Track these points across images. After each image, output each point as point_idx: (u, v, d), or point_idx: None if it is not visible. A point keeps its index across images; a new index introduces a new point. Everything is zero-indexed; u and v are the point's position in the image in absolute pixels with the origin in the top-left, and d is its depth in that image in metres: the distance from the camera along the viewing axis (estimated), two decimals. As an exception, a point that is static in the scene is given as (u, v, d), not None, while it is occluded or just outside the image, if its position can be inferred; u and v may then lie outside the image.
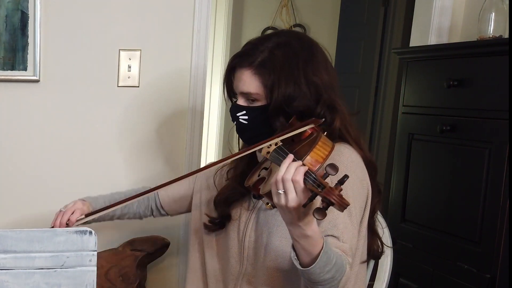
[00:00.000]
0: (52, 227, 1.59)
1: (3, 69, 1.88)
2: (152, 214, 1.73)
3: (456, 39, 2.52)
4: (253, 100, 1.42)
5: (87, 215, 1.57)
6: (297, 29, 4.23)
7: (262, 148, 1.42)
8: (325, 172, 1.15)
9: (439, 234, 2.17)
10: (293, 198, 1.16)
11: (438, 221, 2.18)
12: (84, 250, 1.18)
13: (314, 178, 1.15)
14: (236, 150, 1.58)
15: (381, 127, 3.55)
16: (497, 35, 2.20)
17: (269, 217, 1.43)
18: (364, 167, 1.41)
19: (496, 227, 1.90)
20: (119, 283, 1.91)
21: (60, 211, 1.59)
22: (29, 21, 1.87)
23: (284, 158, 1.24)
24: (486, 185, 1.96)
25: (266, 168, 1.37)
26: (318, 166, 1.22)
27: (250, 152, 1.39)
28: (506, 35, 2.19)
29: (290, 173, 1.17)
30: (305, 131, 1.34)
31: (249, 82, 1.40)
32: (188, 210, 1.65)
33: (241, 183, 1.45)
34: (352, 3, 3.73)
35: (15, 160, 1.96)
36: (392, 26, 3.43)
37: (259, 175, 1.38)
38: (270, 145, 1.36)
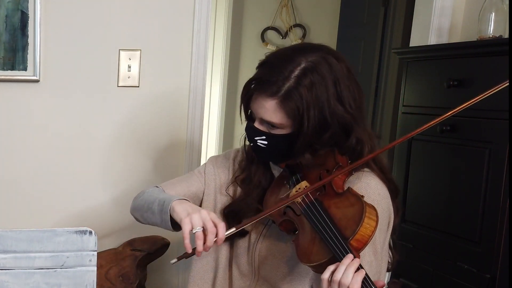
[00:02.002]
0: (192, 252, 1.27)
1: (3, 69, 1.88)
2: None
3: (456, 39, 2.52)
4: (274, 127, 1.33)
5: (238, 227, 1.32)
6: (297, 29, 4.24)
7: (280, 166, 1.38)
8: (386, 287, 1.14)
9: (439, 234, 2.17)
10: None
11: (438, 221, 2.18)
12: (84, 250, 1.18)
13: None
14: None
15: (381, 127, 3.55)
16: (497, 35, 2.20)
17: (283, 238, 1.38)
18: (388, 195, 1.37)
19: (496, 227, 1.90)
20: (119, 283, 1.90)
21: (195, 231, 1.26)
22: (29, 21, 1.87)
23: (317, 217, 1.21)
24: (486, 185, 1.96)
25: (294, 212, 1.30)
26: (363, 245, 1.19)
27: (282, 208, 1.30)
28: (506, 35, 2.19)
29: (348, 279, 1.13)
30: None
31: (272, 112, 1.31)
32: None
33: (257, 199, 1.40)
34: (352, 3, 3.73)
35: (15, 160, 1.96)
36: (392, 26, 3.43)
37: (284, 213, 1.31)
38: (299, 188, 1.31)
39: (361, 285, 1.13)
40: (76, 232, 1.17)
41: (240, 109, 1.41)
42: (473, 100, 1.29)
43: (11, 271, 1.14)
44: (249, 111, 1.40)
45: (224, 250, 1.48)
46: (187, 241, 1.26)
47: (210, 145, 4.64)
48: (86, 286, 1.18)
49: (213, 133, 4.63)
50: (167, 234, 2.06)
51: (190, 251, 1.27)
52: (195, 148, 2.11)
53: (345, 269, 1.14)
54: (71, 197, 2.02)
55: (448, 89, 2.13)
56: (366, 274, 1.14)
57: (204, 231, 1.27)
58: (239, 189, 1.48)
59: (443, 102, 2.19)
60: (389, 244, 1.45)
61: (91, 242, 1.18)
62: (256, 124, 1.36)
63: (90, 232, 1.18)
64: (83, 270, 1.18)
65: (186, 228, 1.27)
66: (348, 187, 1.29)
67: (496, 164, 1.92)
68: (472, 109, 2.04)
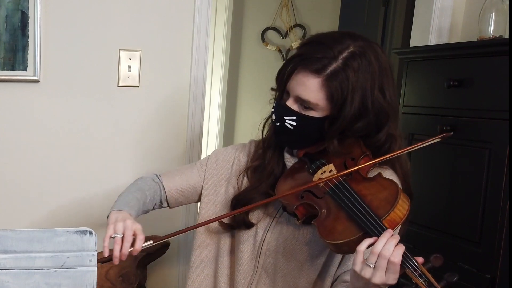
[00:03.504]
0: (109, 256, 1.29)
1: (3, 69, 1.88)
2: (153, 208, 1.57)
3: (456, 39, 2.52)
4: (308, 108, 1.30)
5: (156, 241, 1.34)
6: (297, 29, 4.24)
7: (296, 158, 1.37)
8: (427, 261, 1.12)
9: (439, 234, 2.17)
10: (381, 276, 1.12)
11: (438, 221, 2.18)
12: (84, 250, 1.18)
13: (415, 266, 1.11)
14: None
15: (381, 127, 3.54)
16: (497, 35, 2.20)
17: (294, 229, 1.38)
18: None
19: (496, 227, 1.90)
20: (119, 283, 1.91)
21: (114, 236, 1.29)
22: (29, 21, 1.87)
23: (346, 196, 1.20)
24: (486, 185, 1.95)
25: (315, 195, 1.28)
26: (394, 228, 1.17)
27: (300, 192, 1.29)
28: (506, 35, 2.19)
29: (389, 252, 1.11)
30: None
31: (312, 91, 1.28)
32: (193, 201, 1.57)
33: (269, 187, 1.39)
34: (352, 3, 3.73)
35: (15, 159, 1.96)
36: (392, 26, 3.43)
37: (302, 197, 1.29)
38: (324, 171, 1.29)
39: (402, 259, 1.11)
40: (76, 232, 1.17)
41: (277, 88, 1.38)
42: (413, 146, 1.32)
43: (11, 271, 1.15)
44: (280, 94, 1.37)
45: (225, 244, 1.48)
46: (105, 244, 1.29)
47: (210, 145, 4.64)
48: (86, 286, 1.18)
49: (213, 133, 4.63)
50: (167, 233, 2.06)
51: (106, 254, 1.30)
52: (195, 148, 2.11)
53: (386, 242, 1.12)
54: (71, 197, 2.02)
55: (448, 89, 2.12)
56: (405, 248, 1.13)
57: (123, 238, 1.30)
58: (245, 182, 1.47)
59: (443, 102, 2.19)
60: None
61: (91, 242, 1.18)
62: (289, 103, 1.33)
63: (90, 232, 1.18)
64: (83, 270, 1.18)
65: (108, 232, 1.31)
66: (379, 172, 1.28)
67: (496, 164, 1.92)
68: (472, 109, 2.06)
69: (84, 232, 1.18)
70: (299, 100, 1.31)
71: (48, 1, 1.89)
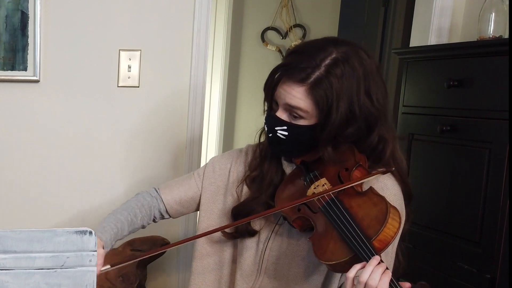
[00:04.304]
0: None
1: (3, 69, 1.88)
2: (155, 221, 1.58)
3: (456, 39, 2.52)
4: (298, 117, 1.31)
5: (113, 265, 1.33)
6: (297, 29, 4.24)
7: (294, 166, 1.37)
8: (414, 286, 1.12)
9: (439, 234, 2.17)
10: None
11: (438, 221, 2.18)
12: (84, 250, 1.18)
13: None
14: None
15: (381, 127, 3.53)
16: (497, 35, 2.20)
17: (295, 236, 1.38)
18: (402, 198, 1.37)
19: (496, 227, 1.90)
20: (119, 283, 1.90)
21: None
22: (29, 21, 1.87)
23: (338, 215, 1.20)
24: (486, 185, 1.95)
25: (311, 210, 1.28)
26: (385, 246, 1.17)
27: (296, 205, 1.29)
28: (506, 35, 2.19)
29: (375, 281, 1.11)
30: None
31: (299, 98, 1.28)
32: (194, 210, 1.58)
33: (269, 197, 1.39)
34: (352, 3, 3.72)
35: (15, 160, 1.96)
36: (392, 26, 3.42)
37: (299, 210, 1.29)
38: (317, 185, 1.29)
39: (388, 287, 1.12)
40: (76, 232, 1.17)
41: (265, 100, 1.38)
42: (360, 179, 1.30)
43: (11, 271, 1.15)
44: (269, 105, 1.37)
45: (228, 252, 1.48)
46: None
47: (210, 145, 4.64)
48: (86, 286, 1.18)
49: (213, 133, 4.63)
50: (167, 234, 2.06)
51: None
52: (195, 148, 2.11)
53: (372, 271, 1.12)
54: (71, 197, 2.02)
55: (448, 89, 2.12)
56: (392, 276, 1.13)
57: None
58: (244, 191, 1.47)
59: (443, 102, 2.19)
60: (398, 250, 1.43)
61: (91, 242, 1.18)
62: (278, 114, 1.33)
63: (90, 232, 1.18)
64: (83, 270, 1.18)
65: None
66: (370, 187, 1.28)
67: (496, 164, 1.92)
68: (472, 109, 2.06)
69: (84, 232, 1.18)
70: (288, 109, 1.31)
71: (48, 1, 1.89)
